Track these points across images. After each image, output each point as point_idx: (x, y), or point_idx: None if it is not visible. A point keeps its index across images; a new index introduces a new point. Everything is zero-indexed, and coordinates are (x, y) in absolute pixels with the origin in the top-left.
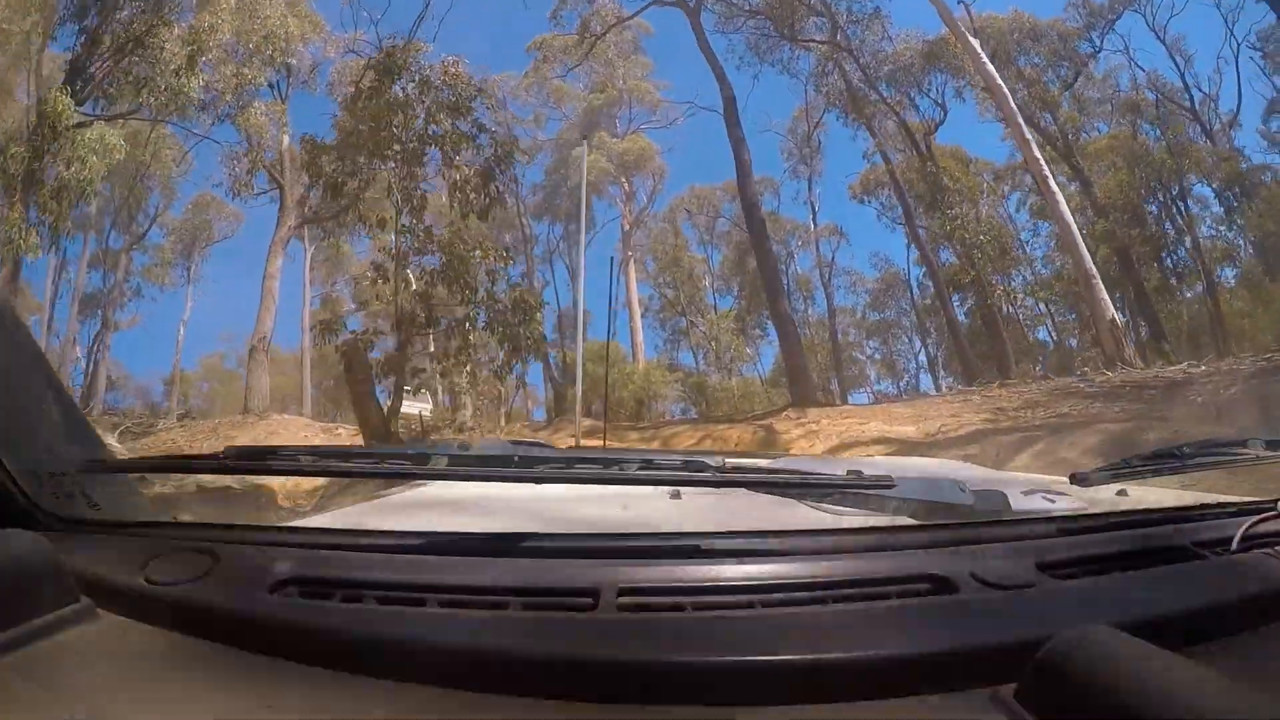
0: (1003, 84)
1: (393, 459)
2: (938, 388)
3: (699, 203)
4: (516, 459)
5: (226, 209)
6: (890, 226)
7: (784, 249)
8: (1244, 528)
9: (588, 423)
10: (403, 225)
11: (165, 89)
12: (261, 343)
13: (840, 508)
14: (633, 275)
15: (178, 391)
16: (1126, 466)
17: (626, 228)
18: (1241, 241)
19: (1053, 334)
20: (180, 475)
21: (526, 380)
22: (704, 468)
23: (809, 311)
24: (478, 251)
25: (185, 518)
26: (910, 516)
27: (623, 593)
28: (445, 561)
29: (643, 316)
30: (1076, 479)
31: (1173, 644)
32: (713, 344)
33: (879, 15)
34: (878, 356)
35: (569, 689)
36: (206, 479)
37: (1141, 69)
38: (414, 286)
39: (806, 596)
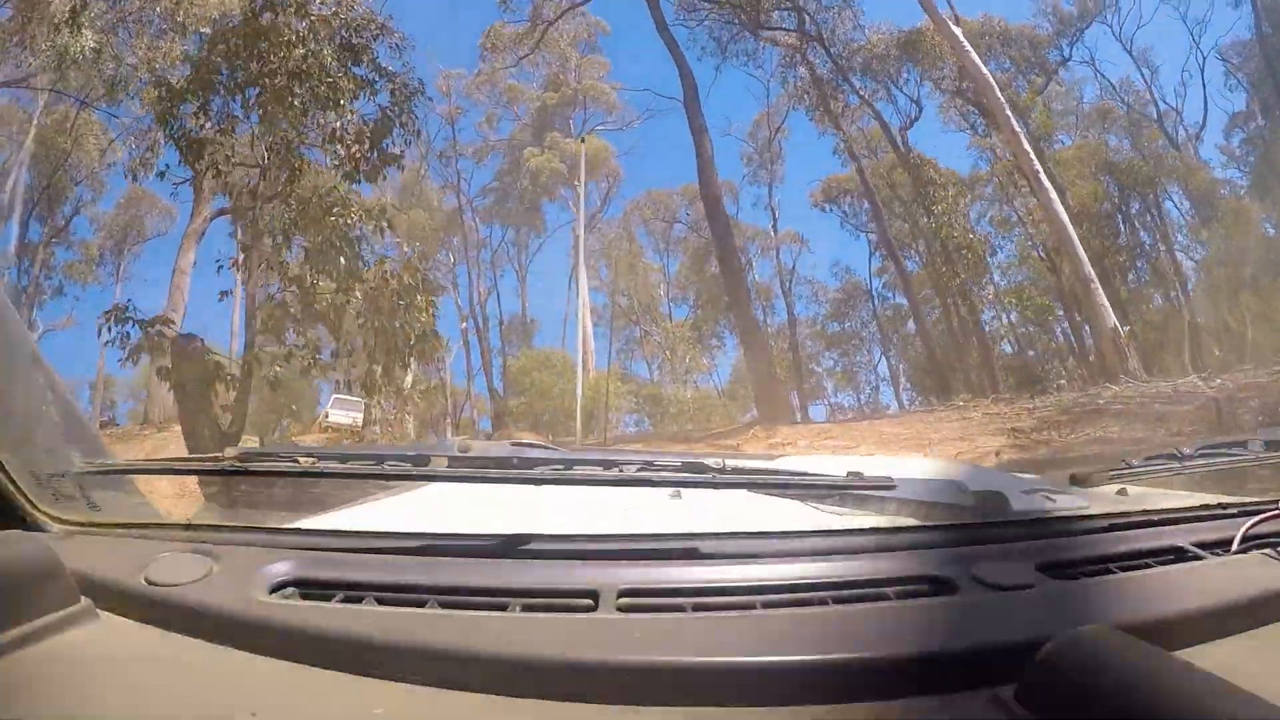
0: (988, 74)
1: (393, 460)
2: (900, 402)
3: (656, 207)
4: (516, 461)
5: (160, 204)
6: (854, 234)
7: (744, 256)
8: (1244, 528)
9: (529, 437)
10: (267, 191)
11: (49, 48)
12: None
13: (840, 509)
14: (584, 281)
15: (100, 398)
16: (1126, 467)
17: (579, 233)
18: (1206, 252)
19: (1015, 345)
20: (180, 477)
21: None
22: (704, 469)
23: (769, 321)
24: (360, 222)
25: (185, 519)
26: (910, 517)
27: (623, 594)
28: (445, 563)
29: (594, 325)
30: (1076, 479)
31: (1173, 645)
32: (668, 354)
33: (849, 3)
34: (838, 369)
35: (569, 690)
36: (206, 480)
37: (1108, 79)
38: (291, 271)
39: (807, 597)
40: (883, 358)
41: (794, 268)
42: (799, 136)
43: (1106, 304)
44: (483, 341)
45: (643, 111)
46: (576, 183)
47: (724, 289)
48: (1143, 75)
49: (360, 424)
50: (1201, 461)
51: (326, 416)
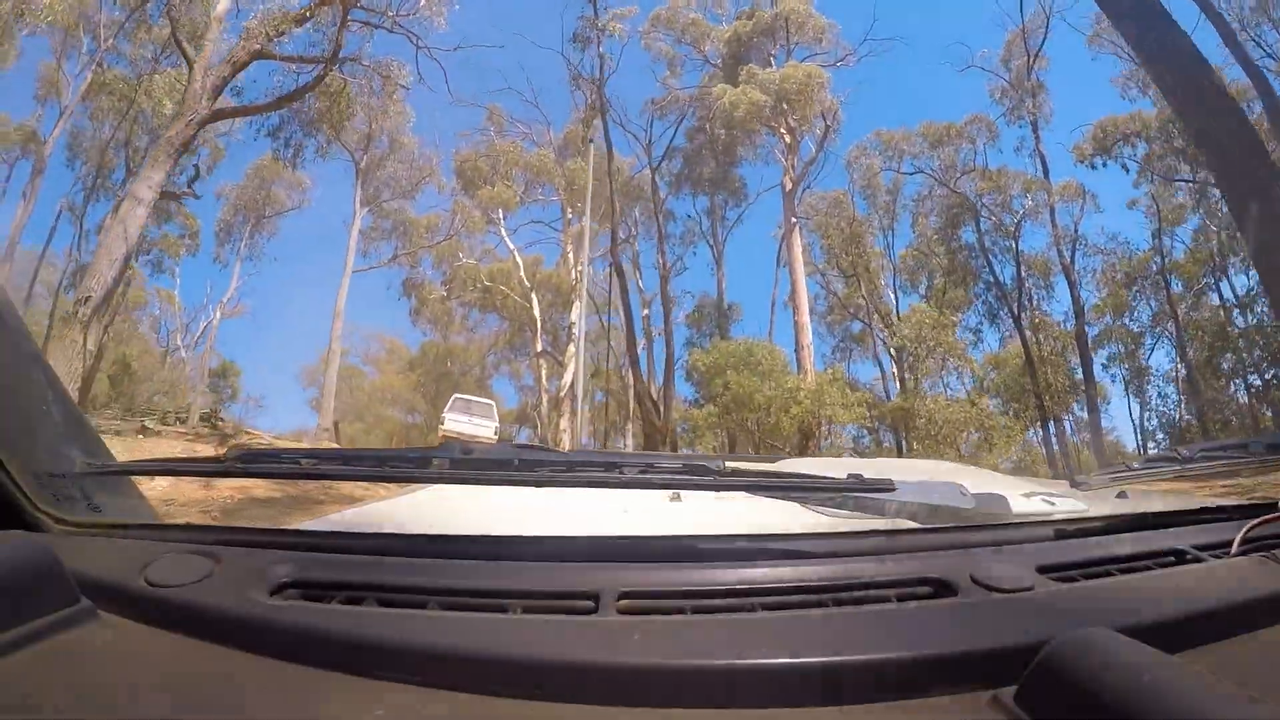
0: None
1: (394, 462)
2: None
3: (890, 149)
4: (517, 462)
5: (284, 173)
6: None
7: (1004, 214)
8: (1244, 531)
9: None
10: None
11: None
12: (83, 306)
13: (841, 511)
14: (799, 251)
15: (202, 386)
16: (1126, 470)
17: (789, 187)
18: None
19: None
20: (181, 478)
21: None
22: (705, 471)
23: (1044, 307)
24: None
25: (186, 520)
26: (911, 520)
27: (623, 596)
28: (446, 564)
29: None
30: (1077, 482)
31: (1173, 647)
32: (917, 347)
33: None
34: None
35: (569, 692)
36: (207, 481)
37: None
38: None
39: (807, 600)
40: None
41: (1076, 232)
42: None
43: None
44: (668, 325)
45: (862, 46)
46: (781, 127)
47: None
48: None
49: (495, 435)
50: (1201, 464)
51: (443, 423)
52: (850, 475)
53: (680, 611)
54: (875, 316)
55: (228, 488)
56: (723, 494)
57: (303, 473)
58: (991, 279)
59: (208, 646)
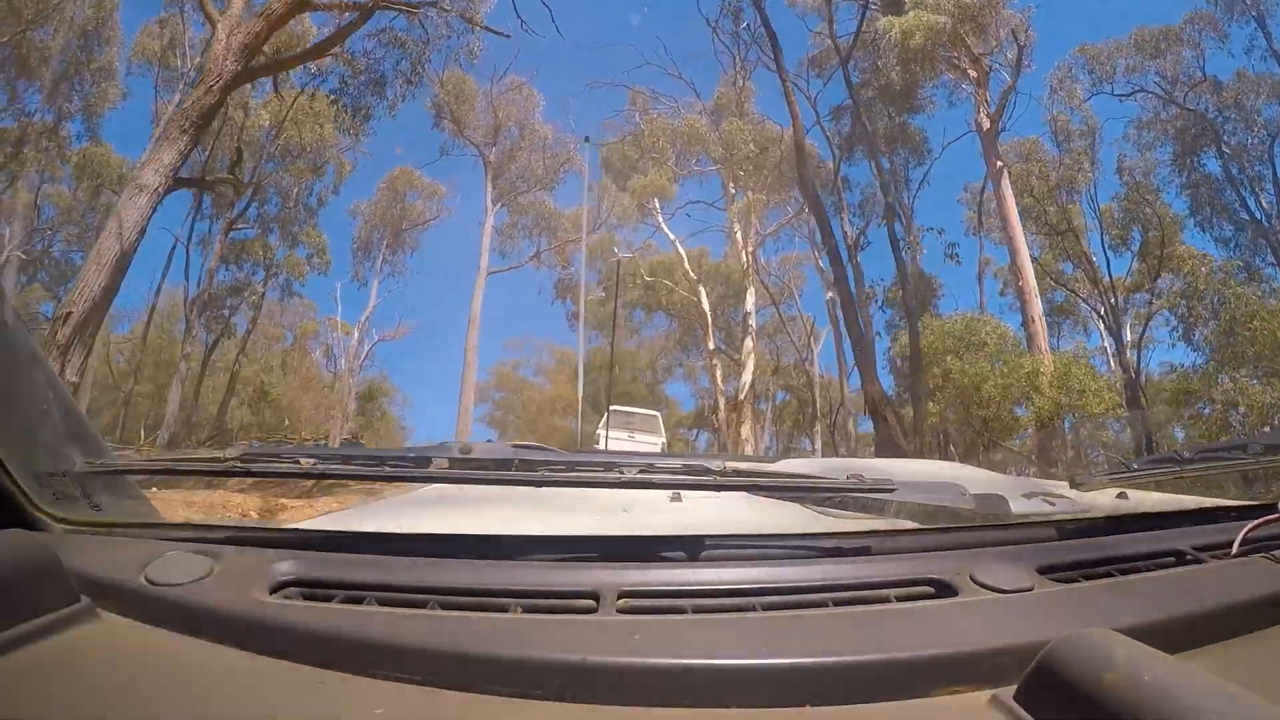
0: None
1: (395, 462)
2: None
3: (1100, 65)
4: (517, 462)
5: (421, 182)
6: None
7: (1247, 133)
8: (1244, 531)
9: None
10: None
11: None
12: (61, 325)
13: (841, 511)
14: (1011, 201)
15: (339, 411)
16: (1126, 470)
17: (985, 124)
18: None
19: None
20: (182, 477)
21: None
22: (705, 471)
23: None
24: None
25: (186, 519)
26: (911, 520)
27: (623, 595)
28: (446, 564)
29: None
30: (1077, 483)
31: (1172, 648)
32: (1194, 304)
33: None
34: None
35: (570, 691)
36: (208, 481)
37: None
38: None
39: (807, 600)
40: None
41: None
42: None
43: None
44: (863, 308)
45: None
46: (965, 58)
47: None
48: None
49: (664, 450)
50: (1201, 465)
51: (598, 442)
52: (850, 476)
53: (681, 611)
54: (1089, 282)
55: (228, 487)
56: (723, 494)
57: (303, 472)
58: (1247, 216)
59: (208, 646)
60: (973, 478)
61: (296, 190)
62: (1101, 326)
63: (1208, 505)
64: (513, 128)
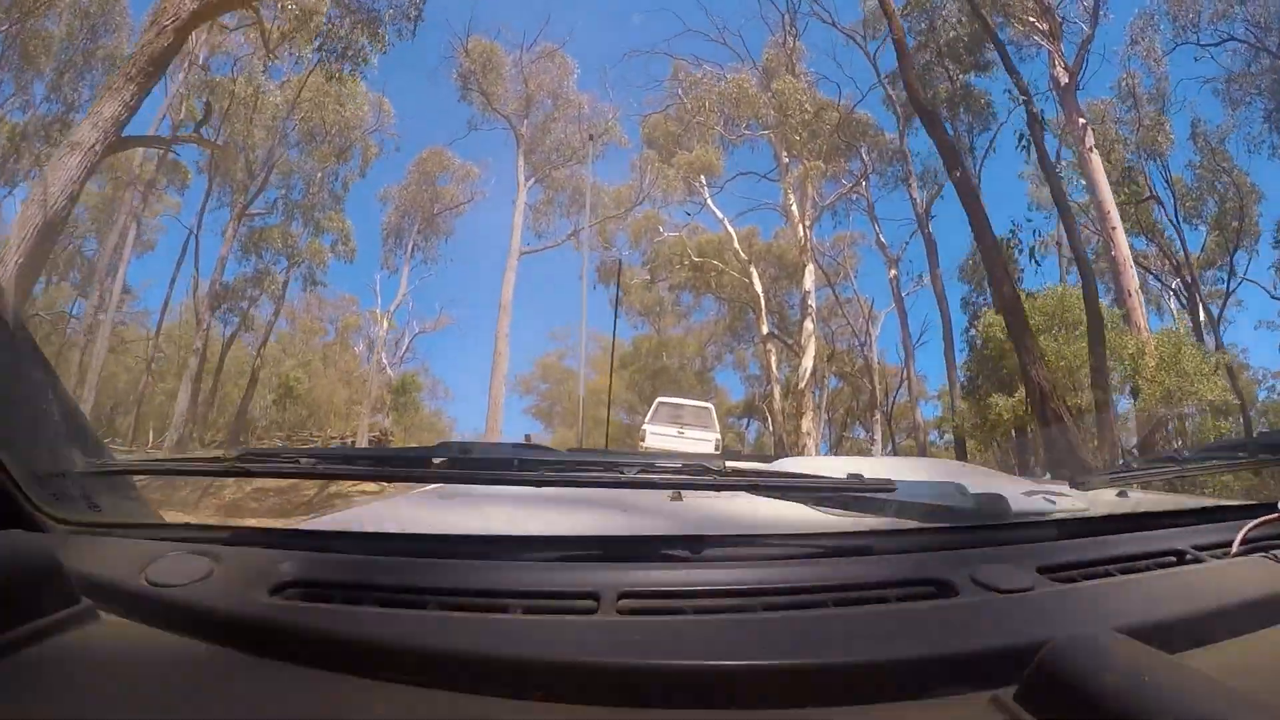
0: None
1: (394, 462)
2: None
3: (1184, 12)
4: (517, 462)
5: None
6: None
7: None
8: (1243, 531)
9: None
10: None
11: None
12: None
13: (841, 511)
14: (1097, 161)
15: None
16: (1126, 470)
17: (1063, 77)
18: None
19: None
20: (182, 477)
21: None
22: (705, 471)
23: None
24: None
25: (186, 519)
26: (911, 520)
27: (623, 596)
28: (446, 564)
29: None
30: (1077, 482)
31: (1172, 648)
32: None
33: None
34: None
35: (570, 692)
36: (208, 482)
37: None
38: None
39: (807, 600)
40: None
41: None
42: None
43: None
44: (937, 283)
45: None
46: (1033, 9)
47: None
48: None
49: (717, 449)
50: (1200, 464)
51: (643, 439)
52: (850, 475)
53: (681, 611)
54: (1163, 257)
55: (228, 487)
56: (723, 493)
57: (303, 472)
58: None
59: (208, 646)
60: (972, 477)
61: (320, 175)
62: (1173, 305)
63: (1208, 504)
64: (545, 99)
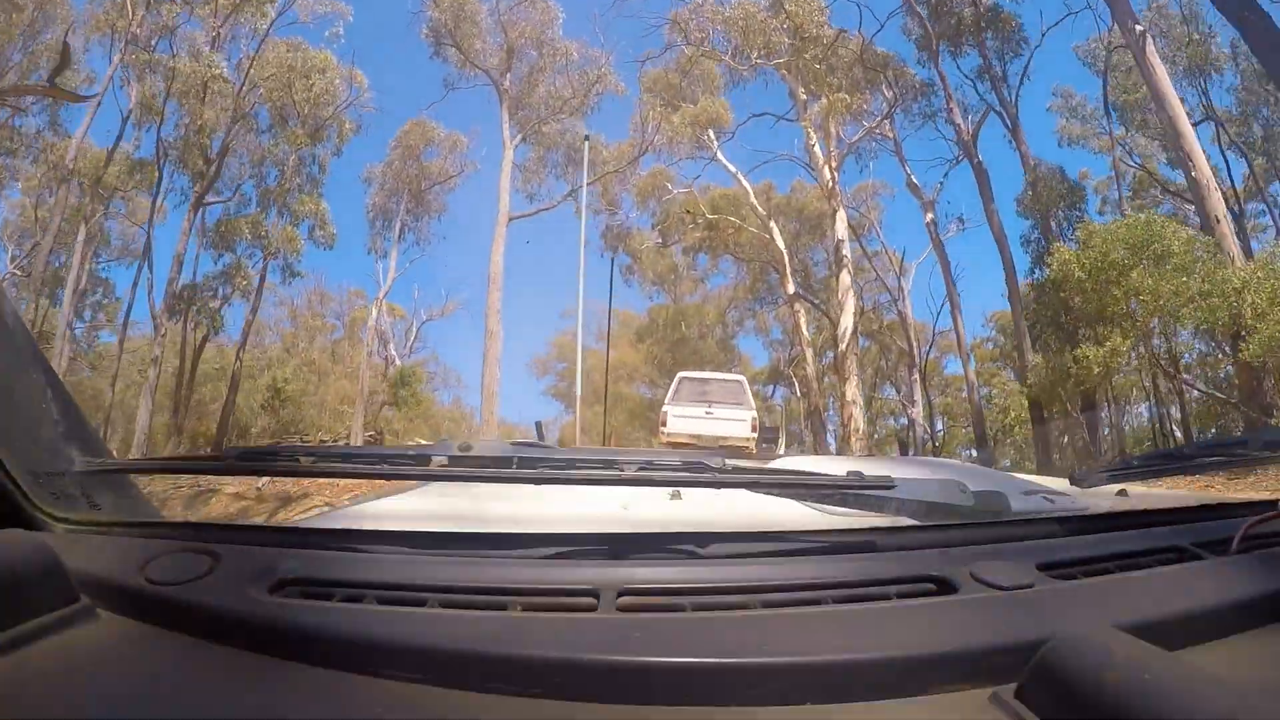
0: None
1: (393, 460)
2: None
3: None
4: (517, 460)
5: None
6: None
7: None
8: (1244, 528)
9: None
10: None
11: None
12: None
13: (841, 509)
14: (1162, 71)
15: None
16: (1127, 467)
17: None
18: None
19: None
20: (181, 476)
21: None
22: (704, 469)
23: None
24: None
25: (185, 518)
26: (911, 517)
27: (623, 593)
28: (445, 562)
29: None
30: (1077, 480)
31: (1172, 645)
32: None
33: None
34: None
35: (569, 689)
36: (206, 480)
37: None
38: None
39: (807, 597)
40: None
41: None
42: None
43: None
44: (992, 218)
45: None
46: None
47: None
48: None
49: (751, 432)
50: (1201, 461)
51: (665, 423)
52: (850, 473)
53: (680, 609)
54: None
55: (227, 486)
56: (723, 491)
57: (301, 470)
58: None
59: (208, 645)
60: (972, 475)
61: (293, 158)
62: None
63: (1208, 501)
64: (529, 49)
